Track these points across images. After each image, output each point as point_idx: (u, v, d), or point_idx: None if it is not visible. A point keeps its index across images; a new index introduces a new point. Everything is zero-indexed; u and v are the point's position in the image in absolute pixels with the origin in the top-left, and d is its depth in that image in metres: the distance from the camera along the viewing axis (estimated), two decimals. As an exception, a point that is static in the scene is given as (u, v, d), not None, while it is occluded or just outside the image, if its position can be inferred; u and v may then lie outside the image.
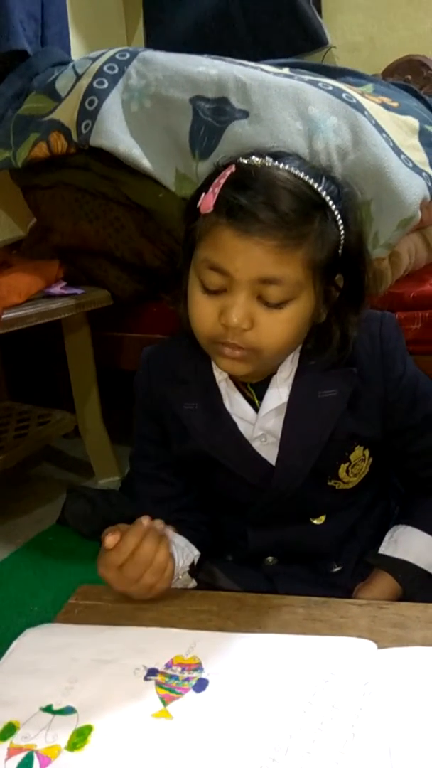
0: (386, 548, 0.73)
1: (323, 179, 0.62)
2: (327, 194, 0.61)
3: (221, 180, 0.60)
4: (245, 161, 0.61)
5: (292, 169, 0.60)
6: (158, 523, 0.64)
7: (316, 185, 0.61)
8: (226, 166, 0.61)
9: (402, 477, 0.81)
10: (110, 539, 0.60)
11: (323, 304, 0.64)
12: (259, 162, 0.61)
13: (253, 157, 0.61)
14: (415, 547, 0.72)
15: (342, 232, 0.62)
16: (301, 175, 0.60)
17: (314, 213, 0.60)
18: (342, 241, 0.63)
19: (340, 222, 0.62)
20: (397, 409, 0.70)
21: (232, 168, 0.60)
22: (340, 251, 0.63)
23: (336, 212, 0.62)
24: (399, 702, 0.49)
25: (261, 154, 0.62)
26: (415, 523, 0.73)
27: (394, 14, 2.07)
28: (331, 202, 0.61)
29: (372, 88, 1.56)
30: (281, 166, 0.60)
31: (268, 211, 0.57)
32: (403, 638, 0.57)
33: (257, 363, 0.63)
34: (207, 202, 0.60)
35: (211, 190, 0.60)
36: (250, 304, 0.60)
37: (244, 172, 0.60)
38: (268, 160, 0.61)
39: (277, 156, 0.62)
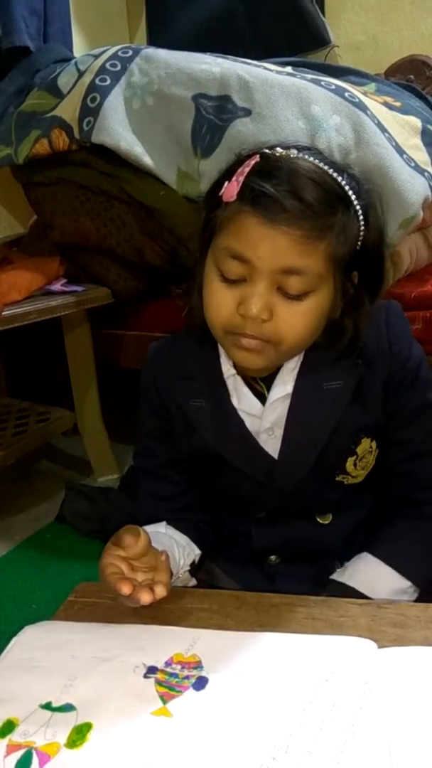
0: (340, 575, 0.71)
1: (345, 174, 0.62)
2: (349, 188, 0.61)
3: (246, 169, 0.59)
4: (269, 152, 0.61)
5: (316, 161, 0.60)
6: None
7: (339, 179, 0.61)
8: (249, 156, 0.61)
9: (381, 477, 0.77)
10: (130, 539, 0.58)
11: (340, 300, 0.64)
12: (284, 153, 0.61)
13: (277, 148, 0.61)
14: (364, 573, 0.69)
15: (362, 228, 0.62)
16: (325, 168, 0.60)
17: (337, 205, 0.60)
18: (361, 238, 0.62)
19: (361, 217, 0.62)
20: (399, 389, 0.69)
21: (257, 158, 0.60)
22: (358, 247, 0.62)
23: (357, 207, 0.61)
24: (399, 701, 0.49)
25: (285, 146, 0.62)
26: (370, 550, 0.71)
27: (397, 14, 2.07)
28: (353, 197, 0.61)
29: (375, 88, 1.55)
30: (306, 157, 0.60)
31: (293, 200, 0.57)
32: (403, 638, 0.57)
33: (273, 356, 0.63)
34: (231, 190, 0.59)
35: (234, 178, 0.59)
36: (269, 295, 0.60)
37: (269, 161, 0.60)
38: (293, 152, 0.61)
39: (301, 149, 0.62)
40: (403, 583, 0.68)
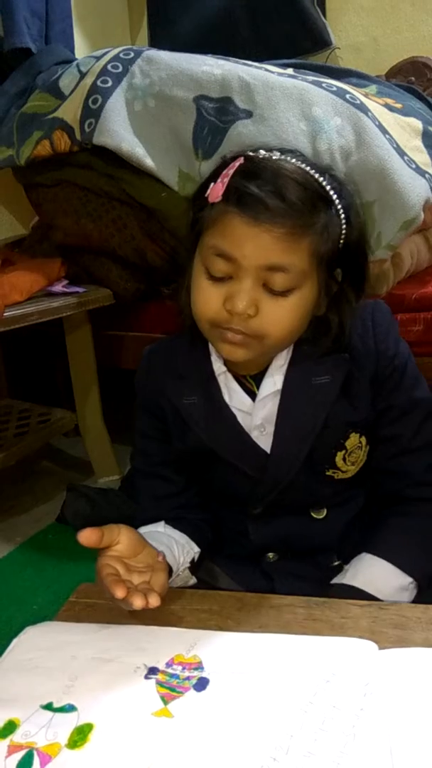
0: (340, 577, 0.71)
1: (326, 175, 0.64)
2: (331, 189, 0.63)
3: (230, 170, 0.61)
4: (253, 154, 0.63)
5: (298, 163, 0.62)
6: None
7: (321, 179, 0.63)
8: (234, 158, 0.63)
9: (370, 473, 0.77)
10: (87, 534, 0.58)
11: (324, 296, 0.65)
12: (267, 155, 0.63)
13: (261, 150, 0.64)
14: (367, 573, 0.69)
15: (344, 227, 0.64)
16: (307, 169, 0.62)
17: (320, 204, 0.62)
18: (343, 236, 0.64)
19: (343, 217, 0.63)
20: (385, 385, 0.71)
21: (241, 159, 0.62)
22: (341, 245, 0.64)
23: (339, 207, 0.63)
24: (400, 703, 0.49)
25: (268, 149, 0.64)
26: (369, 549, 0.71)
27: (398, 16, 2.07)
28: (334, 196, 0.63)
29: (376, 90, 1.56)
30: (288, 159, 0.62)
31: (276, 200, 0.59)
32: (404, 639, 0.57)
33: (258, 350, 0.65)
34: (216, 190, 0.61)
35: (220, 179, 0.61)
36: (255, 291, 0.61)
37: (253, 163, 0.62)
38: (276, 154, 0.63)
39: (283, 152, 0.64)
40: (405, 579, 0.69)
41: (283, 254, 0.60)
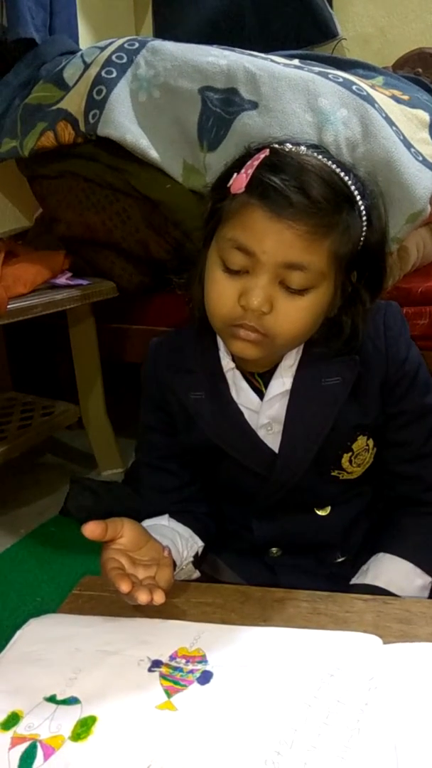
0: (361, 578, 0.70)
1: (351, 174, 0.62)
2: (355, 189, 0.62)
3: (255, 162, 0.60)
4: (279, 147, 0.62)
5: (324, 159, 0.61)
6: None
7: (346, 178, 0.61)
8: (259, 150, 0.61)
9: (379, 475, 0.76)
10: (92, 527, 0.58)
11: (339, 298, 0.64)
12: (293, 149, 0.61)
13: (287, 143, 0.62)
14: (389, 573, 0.69)
15: (365, 228, 0.63)
16: (333, 166, 0.61)
17: (343, 204, 0.61)
18: (363, 238, 0.63)
19: (365, 218, 0.62)
20: (395, 391, 0.70)
21: (266, 151, 0.61)
22: (359, 247, 0.63)
23: (362, 208, 0.62)
24: (404, 697, 0.49)
25: (295, 142, 0.63)
26: (388, 549, 0.71)
27: (405, 6, 2.05)
28: (358, 197, 0.62)
29: (382, 81, 1.54)
30: (314, 155, 0.61)
31: (301, 196, 0.58)
32: (409, 634, 0.57)
33: (270, 348, 0.64)
34: (239, 181, 0.60)
35: (244, 170, 0.60)
36: (271, 288, 0.60)
37: (279, 156, 0.60)
38: (302, 149, 0.62)
39: (309, 147, 0.63)
40: (426, 579, 0.69)
41: (303, 252, 0.59)
